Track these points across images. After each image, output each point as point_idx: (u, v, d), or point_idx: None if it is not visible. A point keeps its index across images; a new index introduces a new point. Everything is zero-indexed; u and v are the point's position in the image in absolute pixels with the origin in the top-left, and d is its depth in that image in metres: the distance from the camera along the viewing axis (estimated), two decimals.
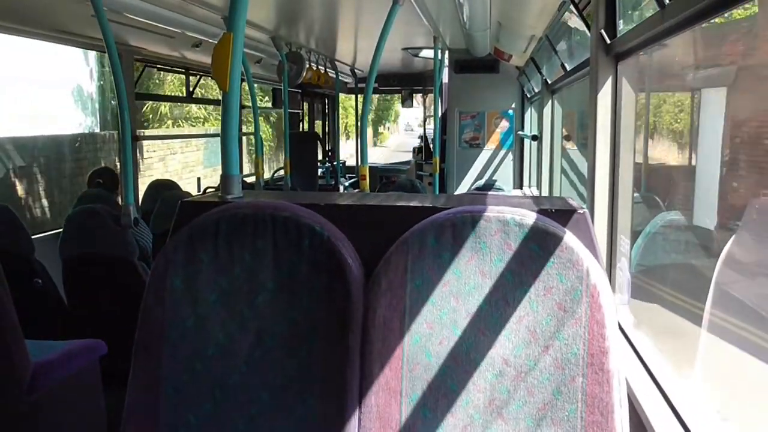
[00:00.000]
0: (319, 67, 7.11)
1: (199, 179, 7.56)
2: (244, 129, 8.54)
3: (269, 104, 10.00)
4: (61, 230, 3.44)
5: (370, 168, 4.40)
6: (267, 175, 8.24)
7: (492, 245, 1.28)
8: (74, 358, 2.63)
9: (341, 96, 10.55)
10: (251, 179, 6.72)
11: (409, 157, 12.84)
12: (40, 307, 3.26)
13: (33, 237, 3.35)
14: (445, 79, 7.81)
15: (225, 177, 1.59)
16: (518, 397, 1.26)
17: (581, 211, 1.37)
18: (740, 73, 2.35)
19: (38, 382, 2.41)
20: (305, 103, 10.01)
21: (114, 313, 3.12)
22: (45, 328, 3.13)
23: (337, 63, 7.93)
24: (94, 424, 2.77)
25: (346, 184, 8.68)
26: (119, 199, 4.38)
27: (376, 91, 11.19)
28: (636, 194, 2.72)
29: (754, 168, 2.24)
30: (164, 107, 13.30)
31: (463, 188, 7.69)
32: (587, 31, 3.01)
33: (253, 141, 6.90)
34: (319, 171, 8.82)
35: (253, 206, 1.40)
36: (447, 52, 7.28)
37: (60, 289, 3.45)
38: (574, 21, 4.41)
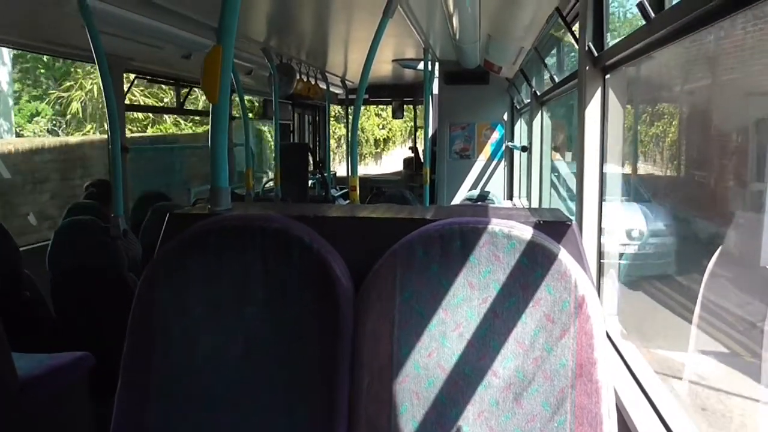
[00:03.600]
0: (310, 78, 7.13)
1: (189, 190, 7.53)
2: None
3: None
4: (49, 242, 3.41)
5: (361, 179, 4.41)
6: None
7: (480, 257, 1.29)
8: (62, 371, 2.61)
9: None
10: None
11: None
12: (27, 320, 3.24)
13: (21, 248, 3.33)
14: (436, 90, 7.84)
15: (214, 189, 1.59)
16: (507, 408, 1.26)
17: (569, 223, 1.38)
18: None
19: (26, 395, 2.38)
20: (296, 115, 10.02)
21: (103, 324, 3.09)
22: (33, 340, 3.10)
23: (327, 74, 7.95)
24: None
25: (337, 195, 8.68)
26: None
27: (366, 102, 11.22)
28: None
29: None
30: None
31: (455, 200, 7.70)
32: (575, 44, 3.04)
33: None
34: (310, 182, 8.82)
35: (242, 218, 1.40)
36: (437, 63, 7.31)
37: (48, 301, 3.42)
38: (563, 34, 4.45)
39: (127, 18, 3.85)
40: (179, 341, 1.35)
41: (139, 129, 11.78)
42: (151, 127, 12.14)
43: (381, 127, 23.21)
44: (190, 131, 12.44)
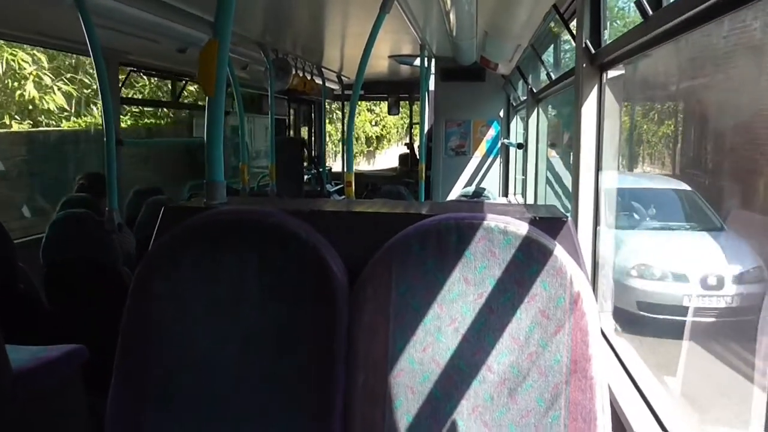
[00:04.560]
0: (306, 73, 7.12)
1: (185, 185, 7.51)
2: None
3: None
4: (43, 235, 3.40)
5: (357, 175, 4.42)
6: None
7: (476, 252, 1.29)
8: (56, 364, 2.60)
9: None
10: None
11: None
12: (21, 312, 3.23)
13: (15, 241, 3.31)
14: (432, 87, 7.83)
15: (209, 183, 1.58)
16: (501, 403, 1.27)
17: (565, 219, 1.38)
18: None
19: (19, 388, 2.37)
20: (291, 110, 10.00)
21: (97, 319, 3.09)
22: (26, 333, 3.09)
23: (323, 70, 7.94)
24: (76, 429, 2.74)
25: (332, 190, 8.68)
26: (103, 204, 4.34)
27: (362, 98, 11.23)
28: None
29: None
30: None
31: (450, 196, 7.71)
32: (572, 41, 3.04)
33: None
34: (305, 177, 8.81)
35: (237, 213, 1.40)
36: (433, 60, 7.31)
37: (42, 294, 3.41)
38: (560, 30, 4.45)
39: (123, 11, 3.83)
40: (174, 336, 1.35)
41: (56, 122, 9.19)
42: (68, 120, 9.37)
43: (374, 123, 21.75)
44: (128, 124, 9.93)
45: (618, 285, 3.65)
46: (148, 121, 10.05)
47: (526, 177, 6.40)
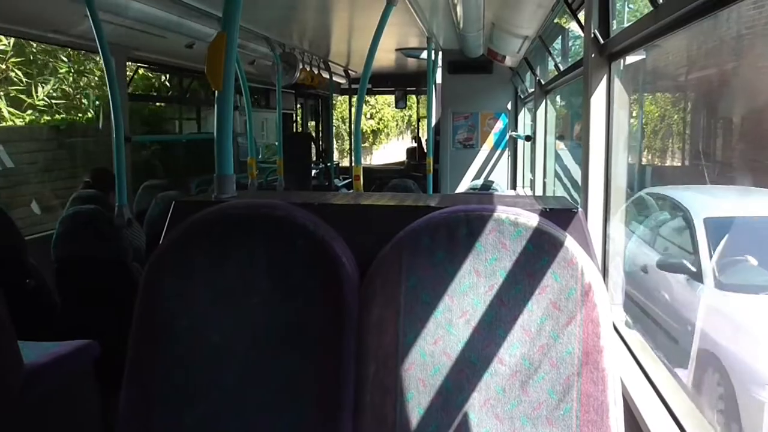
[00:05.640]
0: (313, 68, 7.12)
1: (192, 180, 7.51)
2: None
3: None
4: (54, 231, 3.42)
5: (364, 169, 4.41)
6: None
7: (487, 244, 1.28)
8: (67, 360, 2.61)
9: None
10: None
11: None
12: (32, 308, 3.24)
13: (26, 237, 3.33)
14: (439, 79, 7.82)
15: (219, 177, 1.58)
16: (513, 396, 1.26)
17: (575, 210, 1.37)
18: None
19: (31, 384, 2.39)
20: (299, 104, 10.00)
21: (107, 314, 3.10)
22: (37, 329, 3.11)
23: (330, 64, 7.94)
24: (88, 425, 2.76)
25: (340, 185, 8.68)
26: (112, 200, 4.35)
27: (369, 92, 11.22)
28: None
29: None
30: None
31: (458, 189, 7.70)
32: (580, 32, 3.02)
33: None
34: (313, 172, 8.82)
35: (247, 206, 1.39)
36: (440, 52, 7.29)
37: (53, 290, 3.43)
38: (568, 21, 4.42)
39: (130, 7, 3.84)
40: (184, 331, 1.35)
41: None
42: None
43: (369, 116, 19.95)
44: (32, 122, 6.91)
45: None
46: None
47: (534, 169, 6.38)
